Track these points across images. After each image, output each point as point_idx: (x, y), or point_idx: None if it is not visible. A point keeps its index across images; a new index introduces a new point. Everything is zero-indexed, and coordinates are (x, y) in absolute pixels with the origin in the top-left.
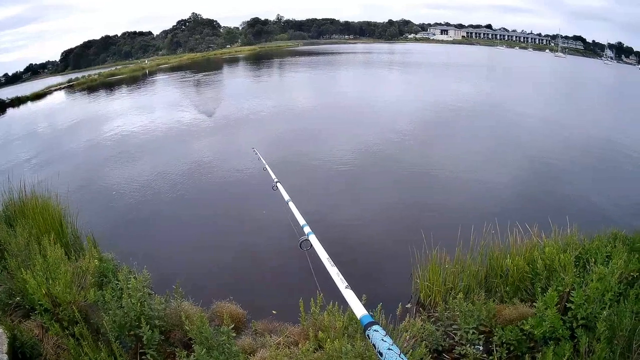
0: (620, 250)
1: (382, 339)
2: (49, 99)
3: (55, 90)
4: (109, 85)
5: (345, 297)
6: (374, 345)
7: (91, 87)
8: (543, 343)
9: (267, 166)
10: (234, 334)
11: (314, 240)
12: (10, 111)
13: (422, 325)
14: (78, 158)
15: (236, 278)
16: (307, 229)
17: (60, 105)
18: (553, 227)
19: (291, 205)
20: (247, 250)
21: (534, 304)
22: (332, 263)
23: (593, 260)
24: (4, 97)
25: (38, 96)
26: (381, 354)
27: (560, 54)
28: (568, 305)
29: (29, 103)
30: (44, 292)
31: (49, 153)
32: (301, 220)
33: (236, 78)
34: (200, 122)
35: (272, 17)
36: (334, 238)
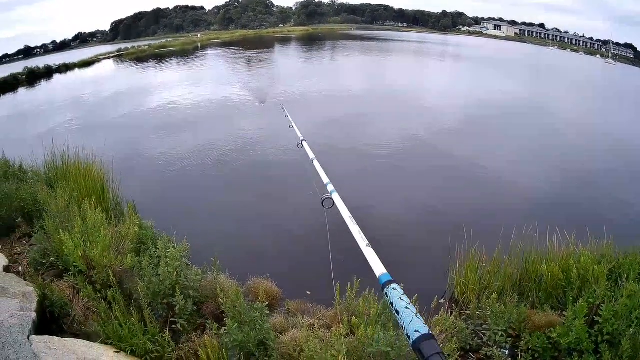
0: None
1: (400, 298)
2: (97, 67)
3: (104, 59)
4: (158, 56)
5: (366, 255)
6: (391, 303)
7: (140, 58)
8: (567, 354)
9: (293, 124)
10: (267, 311)
11: (336, 198)
12: (57, 77)
13: (453, 321)
14: (124, 126)
15: (274, 256)
16: (330, 187)
17: (108, 73)
18: (590, 237)
19: (316, 163)
20: (286, 230)
21: (564, 312)
22: (354, 221)
23: (625, 275)
24: (51, 64)
25: (86, 64)
26: (398, 312)
27: (610, 60)
28: (596, 318)
29: (77, 70)
30: (80, 254)
31: (95, 120)
32: (325, 179)
33: (288, 58)
34: (248, 100)
35: (326, 0)
36: (375, 223)
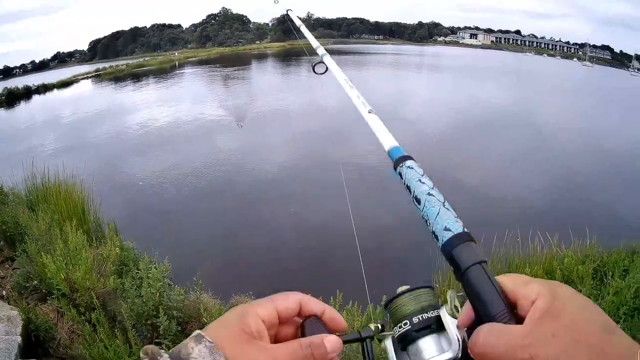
0: (638, 264)
1: (420, 180)
2: (75, 87)
3: (82, 79)
4: (136, 76)
5: (370, 123)
6: (407, 187)
7: (118, 78)
8: None
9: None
10: None
11: (329, 61)
12: (36, 98)
13: None
14: (103, 147)
15: (255, 273)
16: (320, 51)
17: (86, 93)
18: (573, 239)
19: (303, 29)
20: (266, 247)
21: None
22: (352, 85)
23: (610, 273)
24: (30, 84)
25: (64, 84)
26: (418, 201)
27: (587, 63)
28: None
29: (55, 90)
30: (62, 276)
31: (74, 141)
32: (314, 43)
33: (264, 75)
34: (224, 118)
35: (302, 14)
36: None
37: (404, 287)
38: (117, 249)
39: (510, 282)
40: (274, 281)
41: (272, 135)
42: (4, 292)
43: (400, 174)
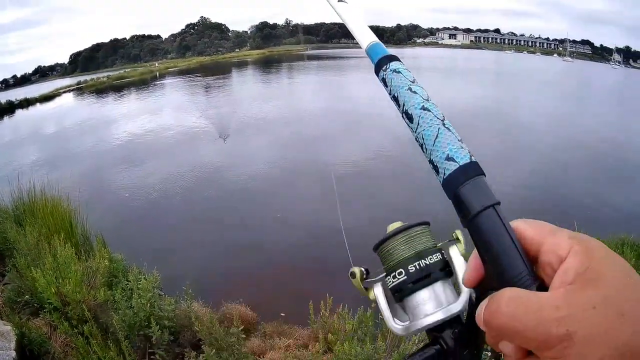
0: (628, 255)
1: (411, 89)
2: (57, 101)
3: (64, 92)
4: (118, 88)
5: (341, 15)
6: (394, 98)
7: (100, 90)
8: None
9: None
10: (244, 336)
11: None
12: (19, 112)
13: None
14: (88, 160)
15: (245, 279)
16: None
17: (69, 106)
18: None
19: None
20: (255, 254)
21: None
22: None
23: None
24: (12, 99)
25: (47, 98)
26: (410, 117)
27: (568, 58)
28: None
29: (38, 105)
30: (53, 290)
31: (59, 155)
32: None
33: (245, 83)
34: (207, 128)
35: (280, 21)
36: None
37: (396, 225)
38: (105, 261)
39: (531, 230)
40: (263, 288)
41: (257, 142)
42: None
43: (384, 81)
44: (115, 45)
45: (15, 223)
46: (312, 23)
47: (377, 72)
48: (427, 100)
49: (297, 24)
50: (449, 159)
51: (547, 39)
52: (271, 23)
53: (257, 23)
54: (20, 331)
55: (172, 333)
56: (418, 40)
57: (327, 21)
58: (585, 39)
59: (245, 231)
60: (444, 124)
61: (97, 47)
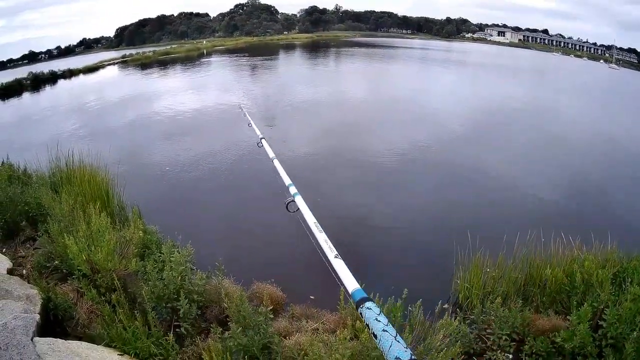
0: None
1: (377, 319)
2: (101, 73)
3: (109, 64)
4: (163, 63)
5: (335, 267)
6: (367, 325)
7: (144, 64)
8: (571, 358)
9: (252, 123)
10: (272, 316)
11: (300, 202)
12: (61, 82)
13: (457, 325)
14: (129, 132)
15: (277, 261)
16: (292, 190)
17: (112, 79)
18: (594, 242)
19: (276, 162)
20: (290, 236)
21: (568, 317)
22: (320, 229)
23: (629, 279)
24: (55, 69)
25: (90, 69)
26: (375, 336)
27: (614, 65)
28: (600, 322)
29: (81, 76)
30: (84, 258)
31: (99, 125)
32: (286, 180)
33: (292, 65)
34: (250, 108)
35: (330, 7)
36: (383, 228)
37: None
38: (140, 232)
39: None
40: (295, 269)
41: (301, 125)
42: (24, 271)
43: (361, 314)
44: (162, 22)
45: (51, 190)
46: (362, 10)
47: (357, 307)
48: (387, 325)
49: (347, 10)
50: (397, 358)
51: (595, 44)
52: (320, 8)
53: (306, 7)
54: (46, 295)
55: (199, 307)
56: (467, 35)
57: (377, 9)
58: (632, 47)
59: (284, 213)
60: (395, 339)
61: (143, 23)
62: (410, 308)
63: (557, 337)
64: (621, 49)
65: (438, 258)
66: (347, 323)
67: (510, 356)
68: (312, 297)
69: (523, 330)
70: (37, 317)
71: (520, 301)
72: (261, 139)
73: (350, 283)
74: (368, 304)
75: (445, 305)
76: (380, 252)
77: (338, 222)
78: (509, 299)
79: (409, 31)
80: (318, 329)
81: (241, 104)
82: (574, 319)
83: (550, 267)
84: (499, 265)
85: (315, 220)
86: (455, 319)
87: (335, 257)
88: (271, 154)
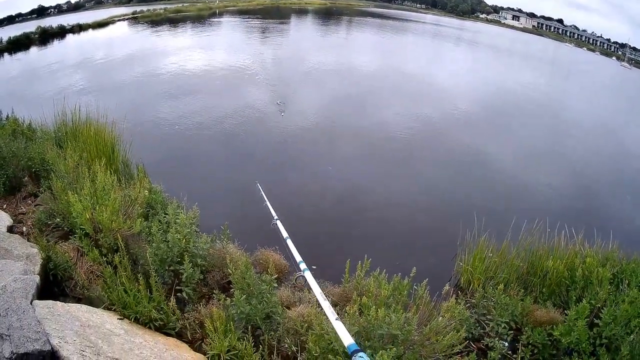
0: None
1: None
2: (111, 29)
3: (119, 20)
4: (174, 21)
5: (335, 327)
6: None
7: (155, 21)
8: (565, 353)
9: (267, 203)
10: (276, 285)
11: (308, 276)
12: (70, 37)
13: (461, 310)
14: (136, 89)
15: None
16: (302, 266)
17: (122, 35)
18: (597, 239)
19: (289, 242)
20: (296, 204)
21: (565, 311)
22: (324, 297)
23: (627, 281)
24: (65, 24)
25: (100, 25)
26: None
27: (625, 64)
28: (596, 321)
29: (90, 31)
30: (88, 216)
31: (107, 81)
32: (298, 257)
33: (303, 30)
34: (260, 70)
35: None
36: (390, 205)
37: None
38: (145, 191)
39: None
40: (300, 239)
41: (308, 91)
42: (24, 229)
43: None
44: None
45: (56, 145)
46: None
47: (351, 356)
48: None
49: None
50: None
51: (609, 40)
52: None
53: None
54: (46, 255)
55: (201, 272)
56: (481, 16)
57: None
58: None
59: (291, 181)
60: None
61: None
62: (415, 287)
63: (555, 331)
64: (635, 48)
65: (444, 239)
66: (350, 297)
67: (506, 344)
68: (314, 267)
69: (522, 319)
70: (37, 278)
71: (521, 290)
72: (276, 220)
73: (347, 339)
74: (360, 353)
75: (446, 287)
76: (388, 227)
77: (347, 193)
78: (510, 287)
79: (423, 6)
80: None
81: (257, 182)
82: (572, 314)
83: (552, 259)
84: (503, 252)
85: (321, 291)
86: (457, 301)
87: (336, 319)
88: (285, 234)
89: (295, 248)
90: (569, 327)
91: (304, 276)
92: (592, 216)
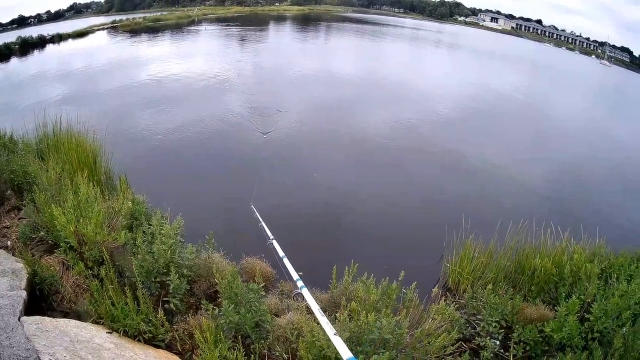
0: None
1: None
2: (90, 38)
3: (98, 30)
4: (153, 29)
5: (334, 342)
6: None
7: (134, 30)
8: (557, 348)
9: (263, 223)
10: (263, 293)
11: (306, 293)
12: (50, 47)
13: (452, 311)
14: (116, 99)
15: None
16: (300, 283)
17: (101, 44)
18: (583, 236)
19: (285, 261)
20: (281, 212)
21: (555, 307)
22: (322, 313)
23: (615, 275)
24: (45, 34)
25: (80, 34)
26: None
27: (605, 62)
28: (586, 315)
29: (70, 40)
30: (72, 229)
31: (87, 91)
32: (294, 275)
33: (281, 37)
34: (240, 78)
35: None
36: (375, 209)
37: None
38: (129, 202)
39: None
40: (286, 247)
41: (288, 97)
42: (8, 243)
43: None
44: None
45: (38, 157)
46: None
47: None
48: None
49: None
50: None
51: (588, 39)
52: None
53: None
54: (32, 269)
55: (188, 282)
56: (459, 19)
57: None
58: (625, 46)
59: (275, 189)
60: None
61: None
62: (404, 290)
63: (547, 327)
64: (614, 46)
65: (430, 241)
66: (339, 303)
67: (498, 342)
68: (300, 273)
69: (512, 318)
70: (24, 294)
71: (509, 289)
72: (272, 239)
73: (345, 353)
74: None
75: (434, 289)
76: (374, 231)
77: (331, 199)
78: (498, 286)
79: (401, 10)
80: (309, 308)
81: (252, 204)
82: (563, 310)
83: (540, 257)
84: (489, 252)
85: (319, 307)
86: (446, 303)
87: (334, 334)
88: (281, 253)
89: (291, 266)
90: (560, 323)
91: (302, 293)
92: (579, 213)
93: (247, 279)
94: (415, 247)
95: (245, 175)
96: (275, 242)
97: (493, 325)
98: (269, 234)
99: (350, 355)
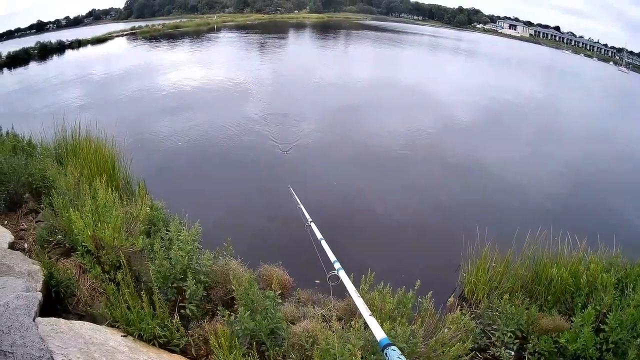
0: None
1: (398, 357)
2: (109, 44)
3: (117, 36)
4: (172, 36)
5: (368, 322)
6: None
7: (154, 37)
8: (572, 359)
9: (301, 206)
10: (280, 300)
11: (343, 275)
12: (69, 53)
13: (467, 321)
14: (136, 105)
15: (285, 243)
16: (337, 265)
17: (120, 51)
18: (600, 245)
19: (323, 243)
20: (299, 219)
21: (571, 317)
22: (359, 295)
23: (632, 285)
24: (64, 39)
25: (99, 40)
26: None
27: (623, 68)
28: (602, 326)
29: (89, 46)
30: (89, 233)
31: (106, 97)
32: (332, 257)
33: (301, 45)
34: (260, 85)
35: None
36: (393, 216)
37: None
38: (147, 208)
39: None
40: (300, 253)
41: (306, 106)
42: (25, 245)
43: (386, 354)
44: None
45: (57, 161)
46: None
47: (382, 350)
48: None
49: None
50: None
51: (605, 45)
52: None
53: None
54: (48, 272)
55: (205, 288)
56: (478, 26)
57: None
58: None
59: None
60: None
61: None
62: (420, 299)
63: (562, 338)
64: (631, 52)
65: (446, 250)
66: (355, 311)
67: (513, 353)
68: (317, 281)
69: (527, 328)
70: (39, 295)
71: (526, 299)
72: (310, 222)
73: (379, 333)
74: (393, 347)
75: (450, 298)
76: (390, 241)
77: (345, 209)
78: (514, 296)
79: (420, 17)
80: (324, 316)
81: (290, 186)
82: (578, 320)
83: (557, 267)
84: (506, 261)
85: (355, 289)
86: (462, 312)
87: (370, 315)
88: (319, 236)
89: (329, 248)
90: (575, 333)
91: (338, 275)
92: (596, 222)
93: (264, 286)
94: (432, 256)
95: (265, 184)
96: (313, 225)
97: (508, 335)
98: (308, 216)
99: (384, 336)
